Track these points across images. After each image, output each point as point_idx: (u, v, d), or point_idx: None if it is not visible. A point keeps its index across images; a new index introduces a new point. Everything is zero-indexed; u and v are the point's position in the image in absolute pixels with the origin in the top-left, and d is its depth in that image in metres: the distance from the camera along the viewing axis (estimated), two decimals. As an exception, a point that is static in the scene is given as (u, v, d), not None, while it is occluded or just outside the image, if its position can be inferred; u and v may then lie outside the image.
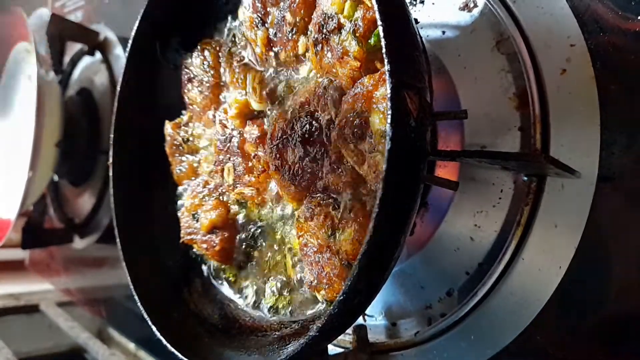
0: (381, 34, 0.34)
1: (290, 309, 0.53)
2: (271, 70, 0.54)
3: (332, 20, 0.43)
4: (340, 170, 0.44)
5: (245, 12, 0.57)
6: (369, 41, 0.41)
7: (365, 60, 0.42)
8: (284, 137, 0.48)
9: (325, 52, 0.45)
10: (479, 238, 0.50)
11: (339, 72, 0.44)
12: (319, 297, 0.49)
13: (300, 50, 0.49)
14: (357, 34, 0.41)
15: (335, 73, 0.45)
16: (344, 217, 0.44)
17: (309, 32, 0.48)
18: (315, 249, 0.46)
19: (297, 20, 0.48)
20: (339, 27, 0.43)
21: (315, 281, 0.46)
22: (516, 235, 0.47)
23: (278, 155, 0.48)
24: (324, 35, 0.44)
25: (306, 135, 0.46)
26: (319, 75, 0.48)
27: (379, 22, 0.34)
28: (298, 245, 0.49)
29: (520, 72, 0.49)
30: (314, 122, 0.46)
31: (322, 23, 0.44)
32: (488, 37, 0.51)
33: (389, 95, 0.33)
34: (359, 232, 0.42)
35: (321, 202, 0.46)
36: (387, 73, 0.33)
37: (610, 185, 0.43)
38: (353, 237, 0.42)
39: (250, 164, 0.54)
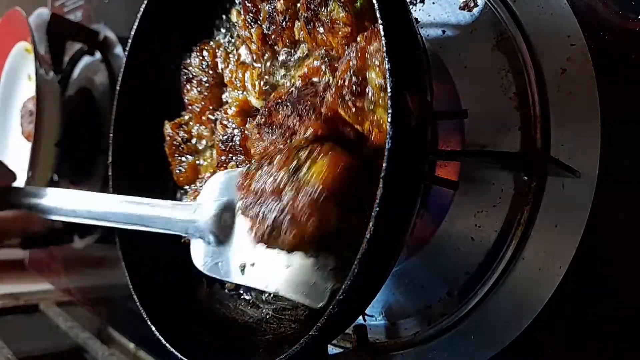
0: (382, 33, 0.34)
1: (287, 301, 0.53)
2: (268, 63, 0.54)
3: None
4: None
5: (237, 13, 0.57)
6: (355, 4, 0.41)
7: (355, 24, 0.42)
8: (279, 102, 0.47)
9: (318, 28, 0.45)
10: (480, 238, 0.50)
11: (333, 43, 0.44)
12: (281, 247, 0.40)
13: (297, 36, 0.49)
14: (342, 0, 0.42)
15: (330, 45, 0.45)
16: (311, 153, 0.39)
17: (300, 16, 0.48)
18: (271, 192, 0.39)
19: (288, 6, 0.48)
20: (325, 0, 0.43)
21: (269, 229, 0.38)
22: (517, 235, 0.47)
23: (267, 114, 0.47)
24: (312, 12, 0.44)
25: (299, 97, 0.45)
26: (315, 52, 0.48)
27: (380, 22, 0.34)
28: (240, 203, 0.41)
29: (521, 71, 0.49)
30: (311, 87, 0.46)
31: (309, 0, 0.44)
32: (488, 36, 0.51)
33: (389, 95, 0.33)
34: (334, 162, 0.37)
35: (282, 149, 0.41)
36: (387, 72, 0.33)
37: (611, 185, 0.43)
38: (325, 165, 0.37)
39: (253, 161, 0.54)
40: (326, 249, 0.41)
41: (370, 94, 0.39)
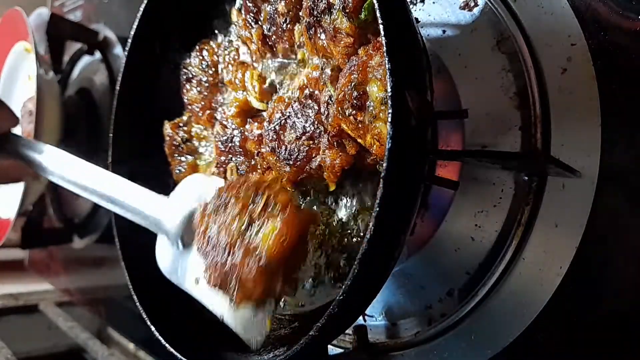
0: (382, 33, 0.34)
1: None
2: (268, 64, 0.54)
3: (321, 1, 0.43)
4: (340, 144, 0.43)
5: (237, 13, 0.57)
6: (360, 16, 0.41)
7: (358, 36, 0.42)
8: (282, 118, 0.47)
9: (319, 35, 0.45)
10: (480, 238, 0.50)
11: (334, 52, 0.44)
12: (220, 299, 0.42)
13: (297, 39, 0.50)
14: (347, 10, 0.42)
15: (330, 53, 0.45)
16: (265, 210, 0.39)
17: (301, 19, 0.48)
18: (222, 246, 0.40)
19: (289, 9, 0.48)
20: (329, 7, 0.43)
21: (220, 282, 0.40)
22: (517, 235, 0.47)
23: (275, 137, 0.48)
24: (315, 18, 0.44)
25: (304, 115, 0.46)
26: (315, 58, 0.48)
27: (380, 21, 0.34)
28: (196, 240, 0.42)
29: (521, 71, 0.49)
30: (312, 102, 0.46)
31: (312, 6, 0.44)
32: (489, 36, 0.51)
33: (389, 95, 0.33)
34: (283, 230, 0.38)
35: (240, 190, 0.42)
36: (388, 72, 0.33)
37: (611, 185, 0.43)
38: (275, 233, 0.38)
39: (253, 162, 0.54)
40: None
41: (371, 108, 0.39)
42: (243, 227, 0.39)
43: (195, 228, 0.43)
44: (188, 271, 0.46)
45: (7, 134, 0.57)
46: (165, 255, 0.48)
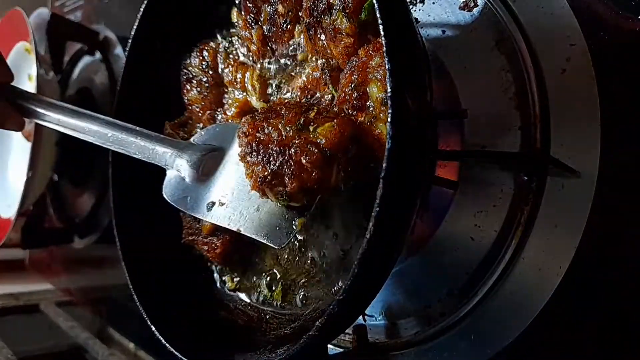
0: (382, 33, 0.34)
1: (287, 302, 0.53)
2: (268, 64, 0.54)
3: (321, 1, 0.44)
4: None
5: (237, 13, 0.57)
6: (360, 16, 0.42)
7: (358, 36, 0.42)
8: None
9: (319, 35, 0.45)
10: (479, 238, 0.50)
11: (334, 52, 0.44)
12: (271, 198, 0.42)
13: (297, 39, 0.50)
14: (347, 11, 0.42)
15: (330, 53, 0.45)
16: (319, 115, 0.40)
17: (301, 20, 0.48)
18: (276, 142, 0.40)
19: (289, 9, 0.49)
20: (329, 7, 0.43)
21: (270, 176, 0.40)
22: (516, 235, 0.47)
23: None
24: (315, 19, 0.45)
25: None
26: (315, 58, 0.48)
27: (380, 22, 0.34)
28: (240, 151, 0.43)
29: (521, 71, 0.49)
30: (314, 103, 0.46)
31: (312, 6, 0.44)
32: (488, 36, 0.51)
33: (389, 96, 0.33)
34: (340, 125, 0.39)
35: (289, 104, 0.43)
36: (387, 73, 0.33)
37: (610, 185, 0.43)
38: (334, 127, 0.39)
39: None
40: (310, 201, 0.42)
41: (371, 108, 0.39)
42: (299, 126, 0.40)
43: (239, 136, 0.44)
44: (200, 200, 0.49)
45: (2, 84, 0.58)
46: (173, 188, 0.51)
